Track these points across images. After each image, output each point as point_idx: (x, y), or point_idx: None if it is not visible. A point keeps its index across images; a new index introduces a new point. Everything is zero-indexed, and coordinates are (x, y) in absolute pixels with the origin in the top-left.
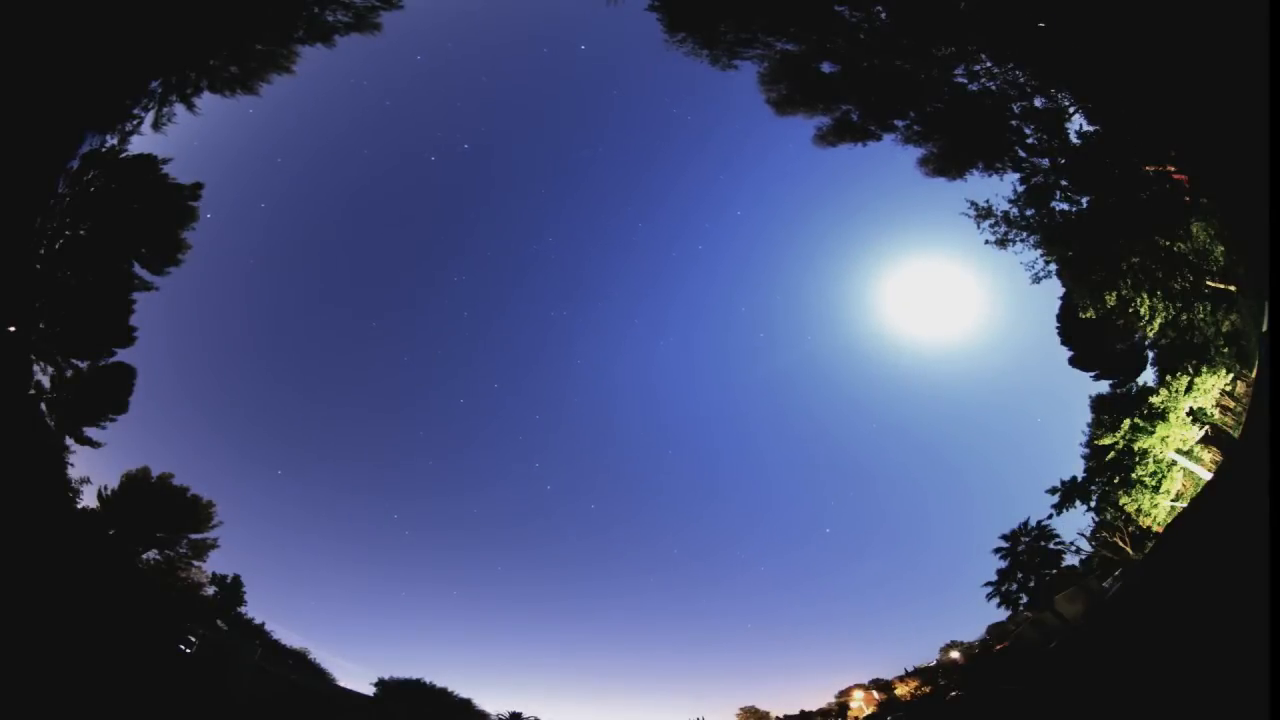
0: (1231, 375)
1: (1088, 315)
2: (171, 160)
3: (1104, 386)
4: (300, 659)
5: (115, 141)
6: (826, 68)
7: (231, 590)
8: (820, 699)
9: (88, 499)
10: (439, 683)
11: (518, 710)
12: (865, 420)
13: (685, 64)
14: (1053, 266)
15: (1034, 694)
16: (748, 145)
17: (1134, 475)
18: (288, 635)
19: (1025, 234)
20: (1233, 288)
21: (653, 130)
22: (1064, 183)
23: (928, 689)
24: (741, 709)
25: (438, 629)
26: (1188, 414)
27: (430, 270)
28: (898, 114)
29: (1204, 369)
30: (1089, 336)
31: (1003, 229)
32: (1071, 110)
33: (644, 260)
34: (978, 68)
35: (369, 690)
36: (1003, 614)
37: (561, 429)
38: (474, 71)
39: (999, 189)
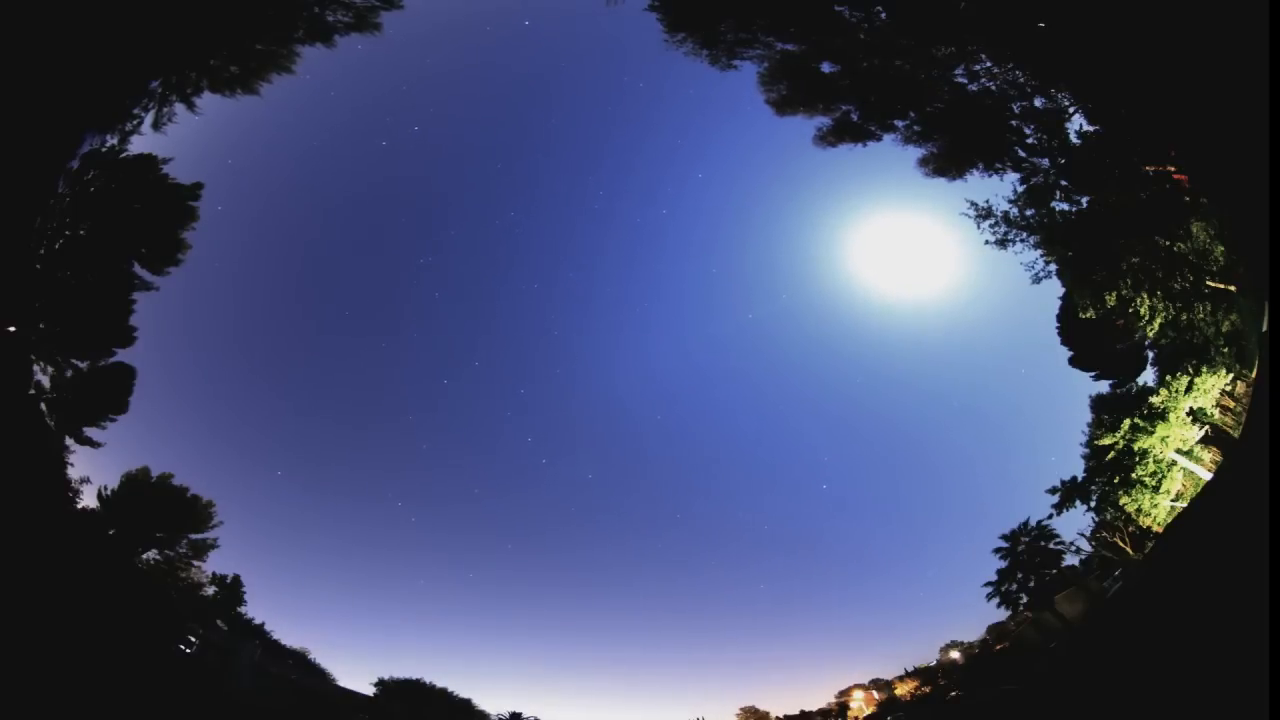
0: (1231, 375)
1: (1088, 315)
2: (172, 160)
3: (1104, 386)
4: (300, 659)
5: (115, 141)
6: (826, 68)
7: (231, 590)
8: (820, 699)
9: (88, 499)
10: (439, 683)
11: (518, 710)
12: (853, 376)
13: (633, 32)
14: (1053, 266)
15: (1034, 694)
16: (705, 110)
17: (1134, 475)
18: (288, 635)
19: (1025, 234)
20: (1233, 288)
21: (605, 99)
22: (1064, 183)
23: (928, 689)
24: (741, 709)
25: (438, 629)
26: (1188, 414)
27: (395, 255)
28: (898, 114)
29: (1204, 369)
30: (1089, 336)
31: (1003, 229)
32: (1071, 110)
33: (609, 229)
34: (978, 68)
35: (369, 690)
36: (1003, 614)
37: (548, 402)
38: (418, 53)
39: (999, 189)
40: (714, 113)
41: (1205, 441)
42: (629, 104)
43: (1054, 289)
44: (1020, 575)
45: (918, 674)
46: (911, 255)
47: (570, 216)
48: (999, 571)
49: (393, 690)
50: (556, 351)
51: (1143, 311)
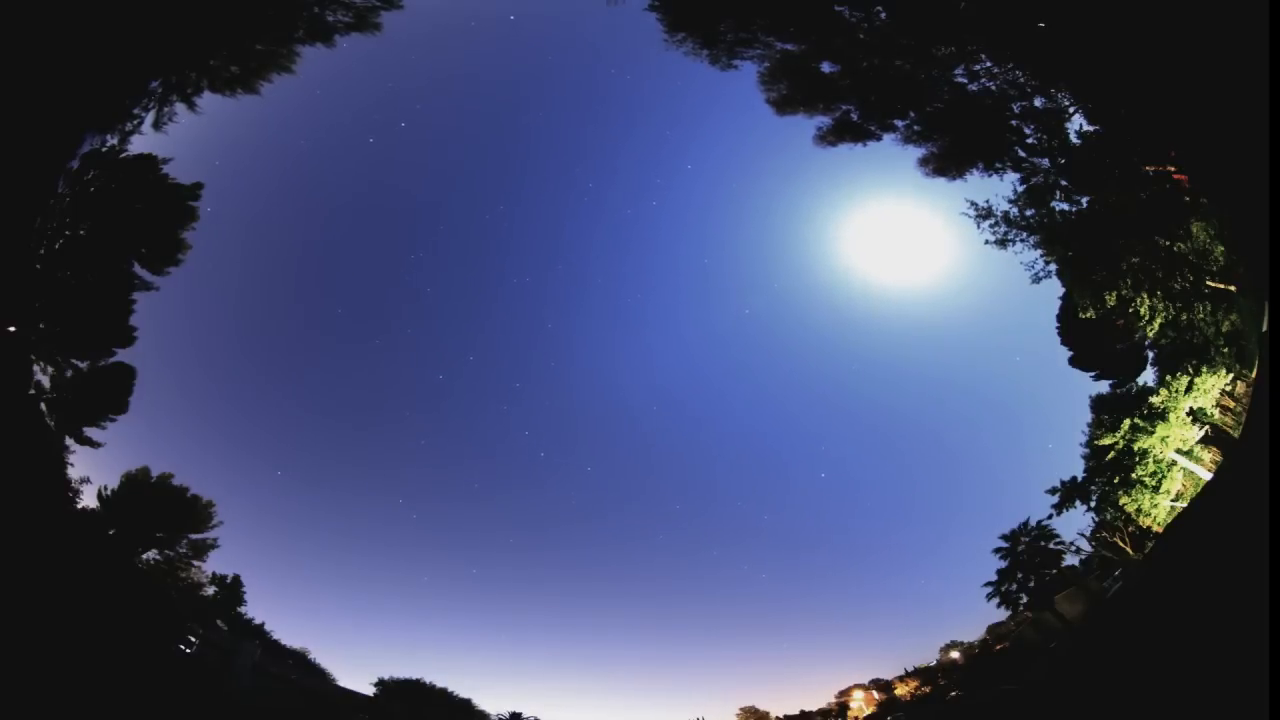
0: (1231, 375)
1: (1088, 315)
2: (172, 160)
3: (1104, 386)
4: (300, 659)
5: (115, 141)
6: (826, 67)
7: (231, 590)
8: (820, 699)
9: (88, 499)
10: (439, 683)
11: (518, 710)
12: (848, 365)
13: (618, 26)
14: (1053, 266)
15: (1034, 694)
16: (692, 101)
17: (1134, 475)
18: (288, 635)
19: (1025, 234)
20: (1233, 288)
21: (592, 93)
22: (1064, 183)
23: (928, 689)
24: (741, 709)
25: (438, 628)
26: (1188, 414)
27: (385, 252)
28: (898, 114)
29: (1204, 369)
30: (1089, 336)
31: (1003, 229)
32: (1071, 110)
33: (599, 221)
34: (978, 68)
35: (369, 690)
36: (1003, 614)
37: (545, 396)
38: (402, 51)
39: (999, 189)
40: (701, 104)
41: (1205, 441)
42: (615, 97)
43: (1052, 283)
44: (1020, 575)
45: (918, 674)
46: (905, 246)
47: (559, 209)
48: (999, 571)
49: (393, 690)
50: (551, 345)
51: (1143, 311)
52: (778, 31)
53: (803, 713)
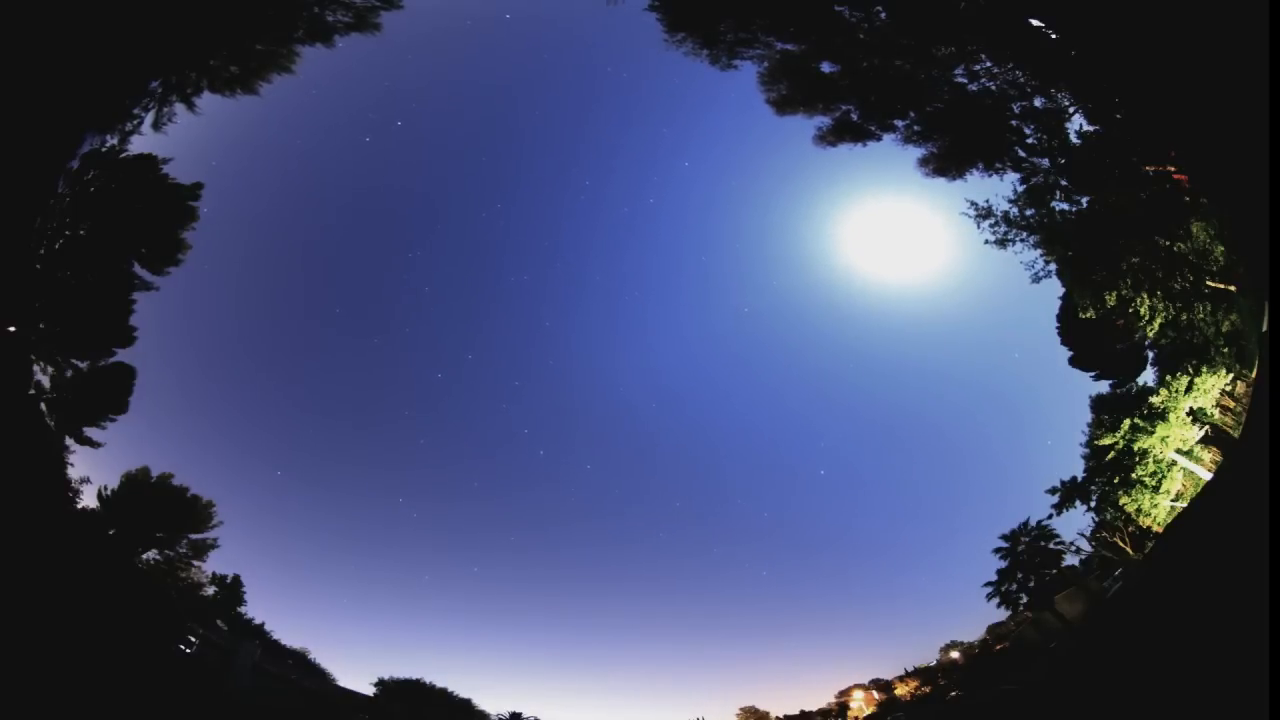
0: (1231, 375)
1: (1088, 315)
2: (172, 160)
3: (1104, 386)
4: (300, 659)
5: (115, 141)
6: (826, 67)
7: (231, 590)
8: (820, 699)
9: (88, 499)
10: (439, 683)
11: (518, 710)
12: (848, 362)
13: (614, 23)
14: (1053, 266)
15: (1034, 694)
16: (689, 98)
17: (1134, 475)
18: (288, 635)
19: (1025, 234)
20: (1233, 288)
21: (588, 90)
22: (1064, 183)
23: (928, 689)
24: (741, 709)
25: (438, 628)
26: (1188, 414)
27: (384, 250)
28: (898, 114)
29: (1204, 369)
30: (1089, 336)
31: (1003, 229)
32: (1071, 110)
33: (596, 218)
34: (978, 68)
35: (369, 690)
36: (1003, 614)
37: (543, 394)
38: (398, 49)
39: (999, 189)
40: (699, 101)
41: (1205, 441)
42: (612, 94)
43: (1051, 282)
44: (1020, 575)
45: (918, 674)
46: (904, 245)
47: (557, 207)
48: (999, 571)
49: (393, 690)
50: (549, 343)
51: (1143, 311)
52: (778, 31)
53: (803, 713)
